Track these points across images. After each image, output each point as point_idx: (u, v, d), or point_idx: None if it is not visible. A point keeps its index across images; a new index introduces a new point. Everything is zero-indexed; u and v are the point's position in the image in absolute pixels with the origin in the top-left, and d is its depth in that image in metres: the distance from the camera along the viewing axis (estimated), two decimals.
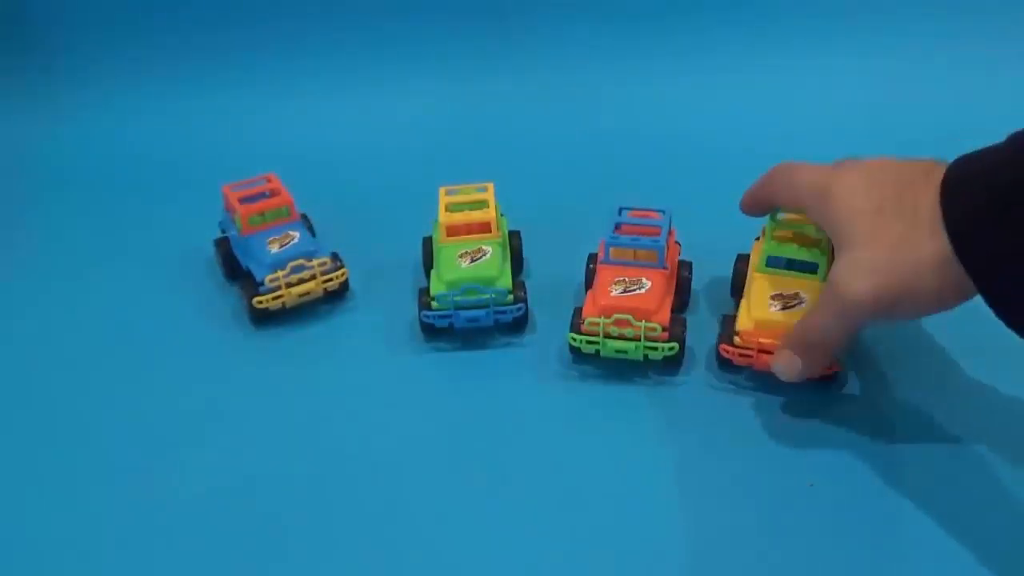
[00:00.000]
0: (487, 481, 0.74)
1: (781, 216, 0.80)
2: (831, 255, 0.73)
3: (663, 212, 0.88)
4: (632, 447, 0.76)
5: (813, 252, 0.77)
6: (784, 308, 0.74)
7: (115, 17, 1.25)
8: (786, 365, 0.70)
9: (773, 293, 0.76)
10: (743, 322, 0.75)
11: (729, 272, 0.92)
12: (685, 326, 0.82)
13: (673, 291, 0.85)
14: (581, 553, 0.68)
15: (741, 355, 0.75)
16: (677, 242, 0.91)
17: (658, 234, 0.85)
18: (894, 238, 0.60)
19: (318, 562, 0.68)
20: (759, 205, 0.79)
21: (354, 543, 0.69)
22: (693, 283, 0.89)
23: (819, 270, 0.76)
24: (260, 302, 0.88)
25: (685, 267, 0.89)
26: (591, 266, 0.89)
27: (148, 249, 1.05)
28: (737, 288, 0.86)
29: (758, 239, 0.87)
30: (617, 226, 0.87)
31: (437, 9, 1.25)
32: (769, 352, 0.73)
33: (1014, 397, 0.78)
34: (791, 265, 0.78)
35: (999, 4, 1.19)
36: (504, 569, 0.67)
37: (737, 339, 0.75)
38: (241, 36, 1.26)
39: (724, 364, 0.79)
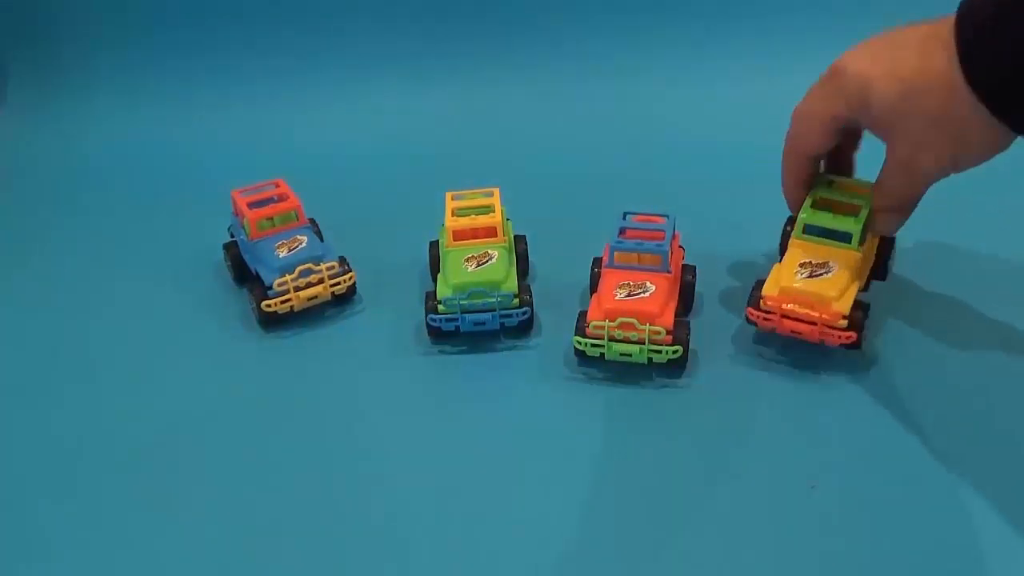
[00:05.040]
0: (493, 482, 0.74)
1: (827, 179, 0.83)
2: (867, 223, 0.79)
3: (667, 217, 0.89)
4: (637, 449, 0.77)
5: (848, 221, 0.79)
6: (811, 276, 0.78)
7: (128, 30, 1.27)
8: (885, 222, 0.79)
9: (803, 261, 0.79)
10: (769, 288, 0.79)
11: (733, 277, 0.93)
12: (689, 330, 0.83)
13: (677, 295, 0.86)
14: (586, 552, 0.68)
15: (765, 319, 0.79)
16: (681, 246, 0.91)
17: (662, 238, 0.85)
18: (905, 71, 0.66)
19: (325, 561, 0.68)
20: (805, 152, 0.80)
21: (361, 542, 0.70)
22: (697, 287, 0.90)
23: (852, 239, 0.79)
24: (269, 306, 0.89)
25: (689, 271, 0.90)
26: (596, 270, 0.90)
27: (158, 253, 1.06)
28: (784, 250, 0.87)
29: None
30: (622, 230, 0.87)
31: (444, 17, 1.26)
32: (791, 318, 0.78)
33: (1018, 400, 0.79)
34: (826, 234, 0.80)
35: None
36: (510, 569, 0.67)
37: (763, 303, 0.79)
38: (250, 45, 1.27)
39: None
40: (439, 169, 1.14)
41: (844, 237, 0.79)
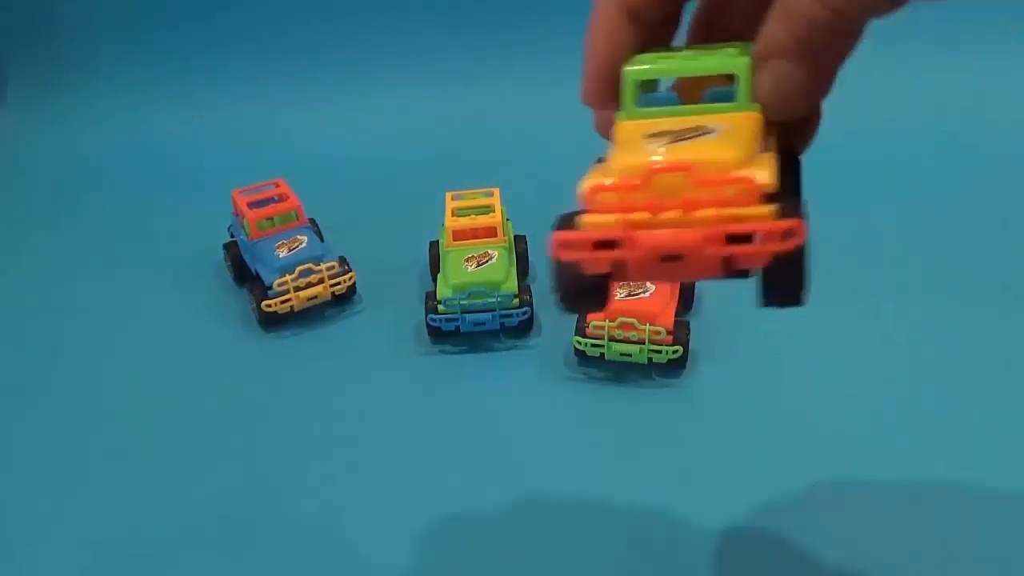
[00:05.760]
0: (494, 480, 0.74)
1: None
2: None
3: None
4: (636, 449, 0.77)
5: (726, 56, 0.40)
6: (676, 141, 0.38)
7: (128, 30, 1.27)
8: (776, 79, 0.38)
9: (652, 132, 0.39)
10: (592, 179, 0.37)
11: None
12: (689, 330, 0.83)
13: (677, 295, 0.86)
14: (586, 549, 0.68)
15: (595, 247, 0.37)
16: None
17: None
18: None
19: (325, 558, 0.69)
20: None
21: (361, 539, 0.70)
22: (697, 287, 0.90)
23: (738, 90, 0.39)
24: (269, 306, 0.89)
25: None
26: None
27: (158, 253, 1.06)
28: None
29: None
30: None
31: (444, 20, 1.26)
32: (646, 227, 0.36)
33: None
34: (679, 98, 0.41)
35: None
36: (510, 565, 0.67)
37: (584, 218, 0.37)
38: (250, 45, 1.27)
39: (568, 286, 0.40)
40: (439, 169, 1.15)
41: (722, 96, 0.40)
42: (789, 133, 0.41)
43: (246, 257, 0.96)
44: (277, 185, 0.99)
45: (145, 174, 1.23)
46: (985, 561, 0.66)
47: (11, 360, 0.91)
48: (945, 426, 0.76)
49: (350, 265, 0.94)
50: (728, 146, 0.37)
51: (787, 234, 0.34)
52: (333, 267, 0.92)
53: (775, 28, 0.37)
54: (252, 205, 0.95)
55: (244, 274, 0.97)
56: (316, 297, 0.92)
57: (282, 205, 0.96)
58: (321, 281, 0.91)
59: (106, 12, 1.27)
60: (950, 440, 0.75)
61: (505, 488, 0.74)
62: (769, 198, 0.35)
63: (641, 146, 0.38)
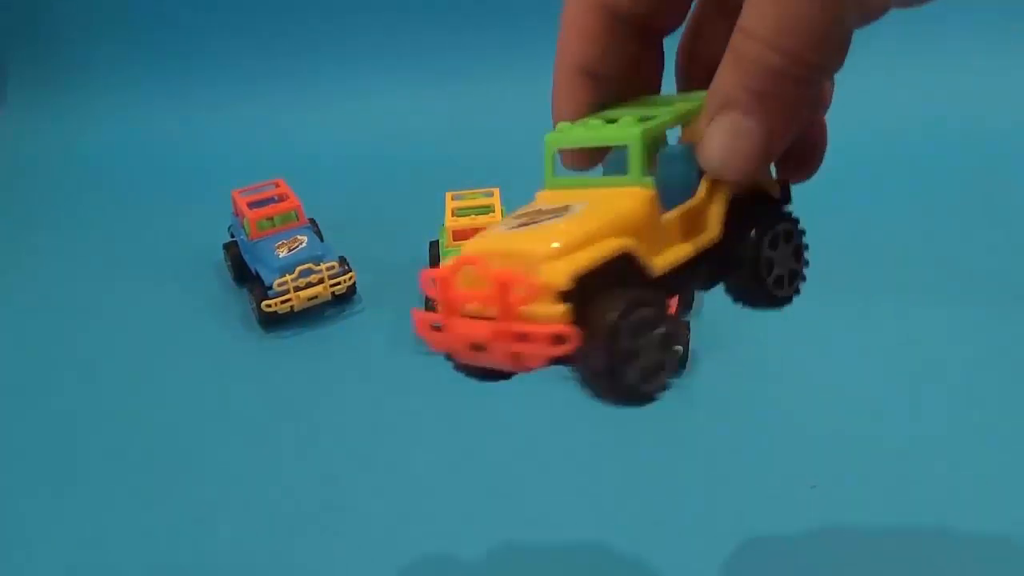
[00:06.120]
0: (494, 479, 0.74)
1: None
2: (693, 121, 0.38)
3: None
4: (637, 449, 0.77)
5: (621, 126, 0.39)
6: (519, 227, 0.38)
7: (128, 30, 1.27)
8: (727, 137, 0.34)
9: (531, 210, 0.40)
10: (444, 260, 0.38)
11: None
12: (689, 330, 0.83)
13: (677, 296, 0.86)
14: (586, 548, 0.68)
15: (432, 329, 0.37)
16: None
17: None
18: None
19: (325, 557, 0.69)
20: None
21: (361, 538, 0.70)
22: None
23: (628, 159, 0.38)
24: (269, 306, 0.89)
25: None
26: None
27: (158, 253, 1.06)
28: None
29: None
30: None
31: (444, 20, 1.26)
32: (457, 315, 0.36)
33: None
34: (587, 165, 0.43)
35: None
36: (510, 564, 0.67)
37: (425, 289, 0.37)
38: (252, 47, 1.27)
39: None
40: (439, 169, 1.15)
41: (615, 164, 0.41)
42: (791, 162, 0.38)
43: (246, 257, 0.96)
44: (277, 185, 0.99)
45: (145, 174, 1.23)
46: (985, 561, 0.66)
47: (11, 360, 0.91)
48: (945, 426, 0.76)
49: (350, 265, 0.94)
50: (557, 234, 0.35)
51: (558, 339, 0.32)
52: (333, 267, 0.92)
53: (725, 78, 0.33)
54: (252, 205, 0.96)
55: (244, 274, 0.97)
56: (316, 297, 0.92)
57: (282, 205, 0.96)
58: (321, 281, 0.92)
59: (106, 12, 1.27)
60: (950, 440, 0.75)
61: (505, 487, 0.74)
62: (563, 293, 0.33)
63: (500, 226, 0.38)
